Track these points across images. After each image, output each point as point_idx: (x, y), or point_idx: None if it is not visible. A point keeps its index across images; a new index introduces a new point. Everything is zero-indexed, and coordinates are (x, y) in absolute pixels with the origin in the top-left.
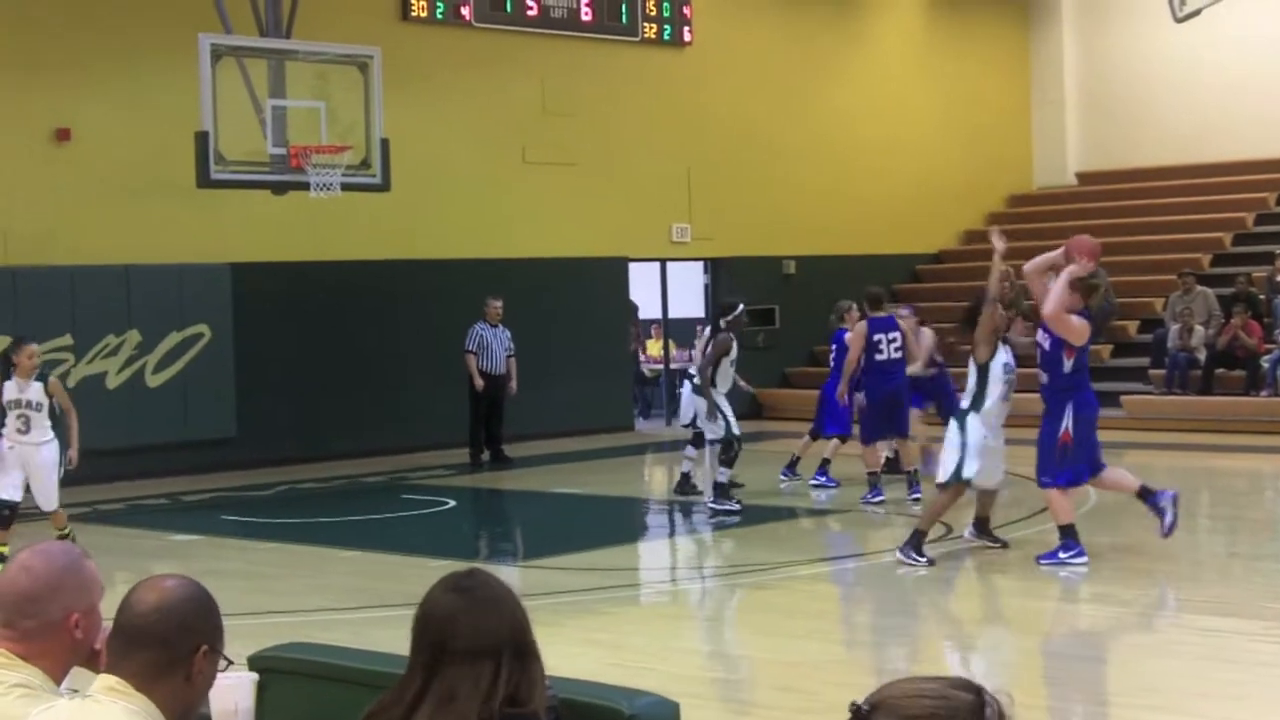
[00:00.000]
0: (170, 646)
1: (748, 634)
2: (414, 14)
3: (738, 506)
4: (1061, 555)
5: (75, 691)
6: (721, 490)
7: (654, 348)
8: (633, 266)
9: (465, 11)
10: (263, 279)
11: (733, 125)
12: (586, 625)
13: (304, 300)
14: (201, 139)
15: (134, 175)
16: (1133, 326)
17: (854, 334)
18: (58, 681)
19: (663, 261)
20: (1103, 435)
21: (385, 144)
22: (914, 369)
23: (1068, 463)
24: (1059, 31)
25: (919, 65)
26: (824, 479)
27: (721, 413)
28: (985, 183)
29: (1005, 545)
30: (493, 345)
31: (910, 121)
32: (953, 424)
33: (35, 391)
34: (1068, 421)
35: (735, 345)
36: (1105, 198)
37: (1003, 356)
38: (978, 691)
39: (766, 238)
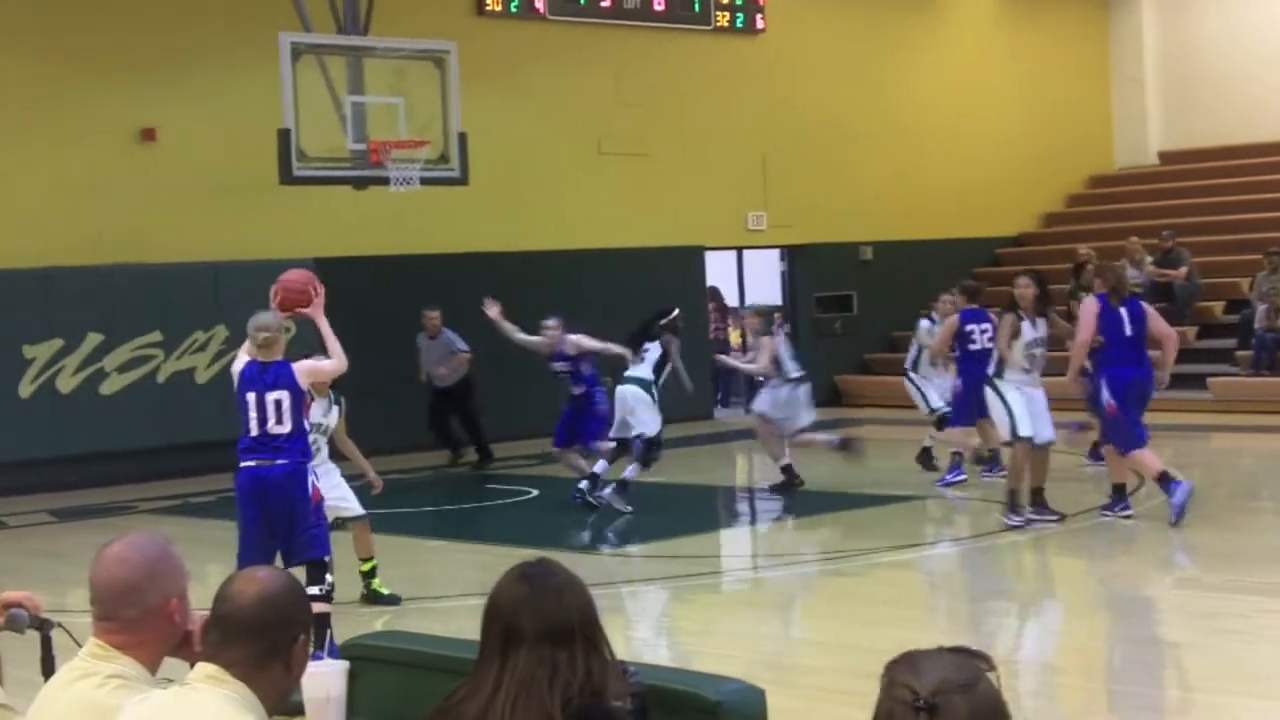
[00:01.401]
0: (271, 637)
1: (832, 621)
2: (489, 8)
3: (630, 510)
4: (1116, 509)
5: (169, 681)
6: (623, 488)
7: (733, 336)
8: (709, 255)
9: (539, 4)
10: (346, 273)
11: (807, 111)
12: (671, 613)
13: (387, 293)
14: (283, 136)
15: (218, 173)
16: (1218, 307)
17: (945, 324)
18: (153, 670)
19: (739, 250)
20: (1190, 418)
21: (463, 138)
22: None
23: (1125, 427)
24: (1138, 7)
25: (995, 46)
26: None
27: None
28: (1065, 164)
29: (1062, 518)
30: (427, 357)
31: (987, 103)
32: (987, 390)
33: (334, 416)
34: (1106, 395)
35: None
36: (1188, 177)
37: (1026, 335)
38: (986, 659)
39: (843, 224)
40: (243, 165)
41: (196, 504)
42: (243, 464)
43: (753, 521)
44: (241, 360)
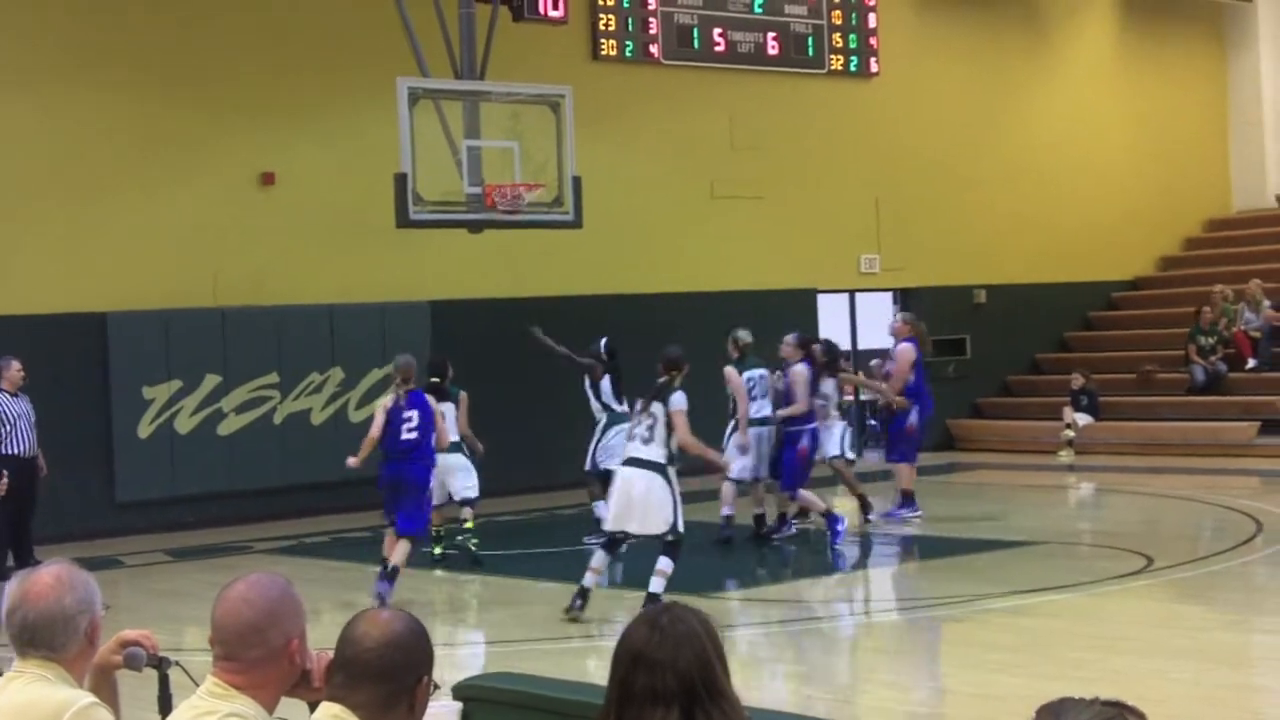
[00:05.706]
0: (396, 679)
1: (943, 667)
2: (604, 53)
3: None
4: (903, 513)
5: None
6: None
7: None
8: (821, 298)
9: (654, 49)
10: (461, 316)
11: (921, 154)
12: (782, 657)
13: (500, 336)
14: (400, 180)
15: (336, 217)
16: None
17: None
18: (270, 710)
19: (852, 293)
20: None
21: (577, 181)
22: None
23: (913, 446)
24: (1255, 52)
25: (1111, 90)
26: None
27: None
28: (1182, 207)
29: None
30: (18, 420)
31: (1103, 146)
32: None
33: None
34: (913, 417)
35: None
36: None
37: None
38: (1139, 715)
39: (957, 267)
40: (360, 209)
41: (311, 544)
42: None
43: (863, 566)
44: None
